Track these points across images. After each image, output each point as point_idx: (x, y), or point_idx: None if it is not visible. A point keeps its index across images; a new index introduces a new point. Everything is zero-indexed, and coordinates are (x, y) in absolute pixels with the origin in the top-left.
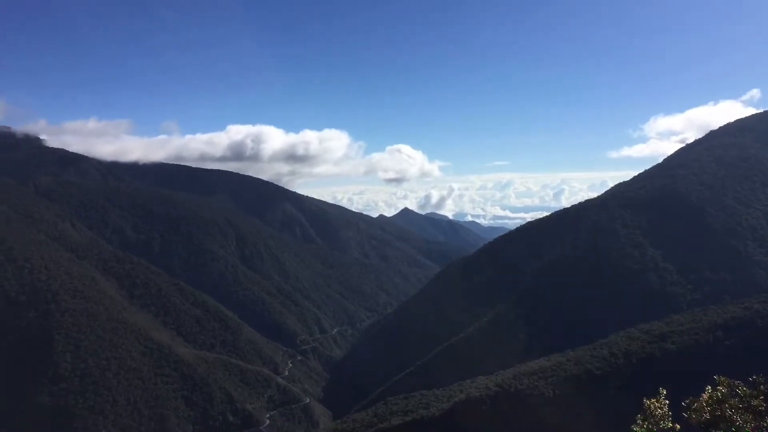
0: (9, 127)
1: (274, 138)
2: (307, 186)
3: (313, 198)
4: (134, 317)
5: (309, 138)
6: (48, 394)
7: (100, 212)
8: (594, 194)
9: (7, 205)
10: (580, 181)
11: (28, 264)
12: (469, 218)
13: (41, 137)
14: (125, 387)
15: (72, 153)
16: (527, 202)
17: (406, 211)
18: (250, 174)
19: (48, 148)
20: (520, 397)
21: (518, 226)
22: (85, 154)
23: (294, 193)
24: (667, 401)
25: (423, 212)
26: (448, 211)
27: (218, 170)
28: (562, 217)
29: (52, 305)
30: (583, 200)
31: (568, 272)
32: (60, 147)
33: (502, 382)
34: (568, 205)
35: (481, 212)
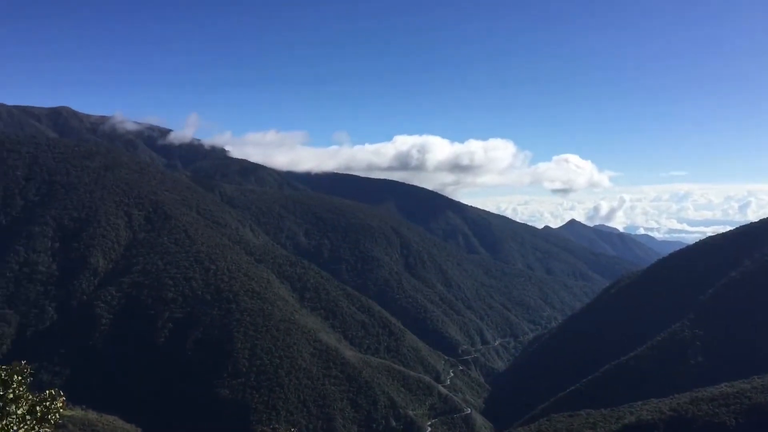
0: (199, 140)
1: (439, 148)
2: (470, 196)
3: (476, 208)
4: (305, 319)
5: (474, 148)
6: (228, 388)
7: (276, 219)
8: None
9: (197, 211)
10: None
11: (213, 266)
12: (642, 231)
13: (226, 148)
14: (296, 385)
15: (252, 163)
16: (707, 215)
17: (573, 223)
18: (415, 183)
19: (231, 158)
20: (697, 424)
21: (697, 240)
22: (264, 164)
23: (458, 203)
24: None
25: (591, 224)
26: (619, 224)
27: (385, 179)
28: (749, 232)
29: (233, 305)
30: None
31: (754, 292)
32: (242, 157)
33: (677, 406)
34: (756, 219)
35: (654, 225)
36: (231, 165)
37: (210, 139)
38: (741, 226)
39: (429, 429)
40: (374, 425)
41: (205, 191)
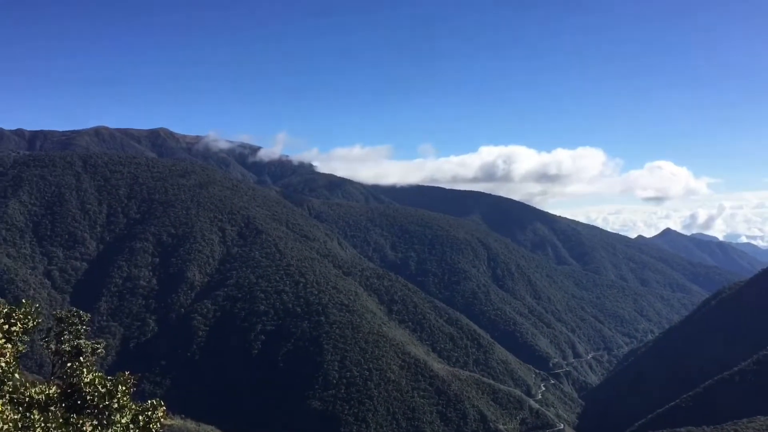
0: (288, 156)
1: (525, 158)
2: (559, 206)
3: (565, 218)
4: (393, 332)
5: (561, 157)
6: (318, 399)
7: (363, 231)
8: None
9: (286, 225)
10: None
11: (303, 279)
12: (744, 240)
13: (313, 164)
14: (385, 398)
15: (338, 177)
16: None
17: (668, 232)
18: (501, 194)
19: (319, 173)
20: None
21: None
22: (350, 178)
23: (545, 213)
24: None
25: (688, 233)
26: (718, 232)
27: (470, 191)
28: None
29: (323, 317)
30: None
31: None
32: (329, 172)
33: None
34: None
35: (758, 233)
36: (318, 180)
37: (298, 156)
38: None
39: None
40: None
41: (293, 206)
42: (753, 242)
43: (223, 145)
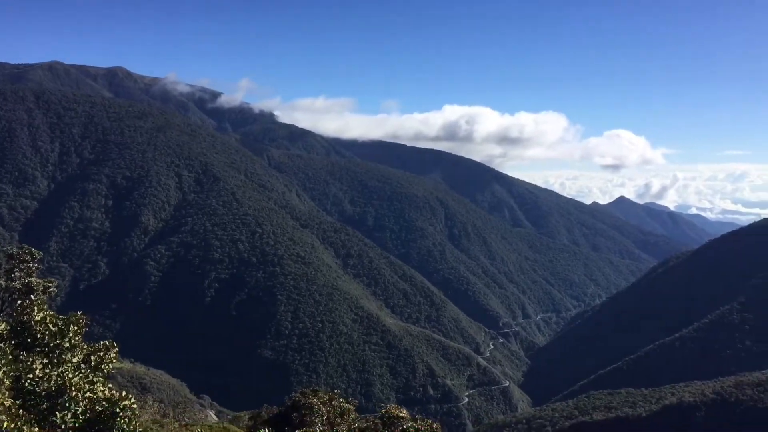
0: (249, 104)
1: (488, 119)
2: (518, 169)
3: (524, 181)
4: (347, 285)
5: (524, 120)
6: (270, 349)
7: (322, 185)
8: None
9: (245, 174)
10: None
11: (259, 229)
12: (694, 211)
13: (275, 113)
14: (336, 350)
15: (300, 128)
16: (764, 196)
17: (622, 200)
18: (462, 154)
19: (280, 123)
20: (740, 408)
21: (752, 222)
22: (312, 130)
23: (505, 176)
24: None
25: (641, 202)
26: (670, 202)
27: (432, 149)
28: None
29: (278, 268)
30: None
31: None
32: (291, 123)
33: (721, 389)
34: None
35: (708, 205)
36: (279, 130)
37: (259, 104)
38: None
39: (466, 399)
40: (412, 393)
41: (253, 155)
42: (702, 213)
43: (183, 88)
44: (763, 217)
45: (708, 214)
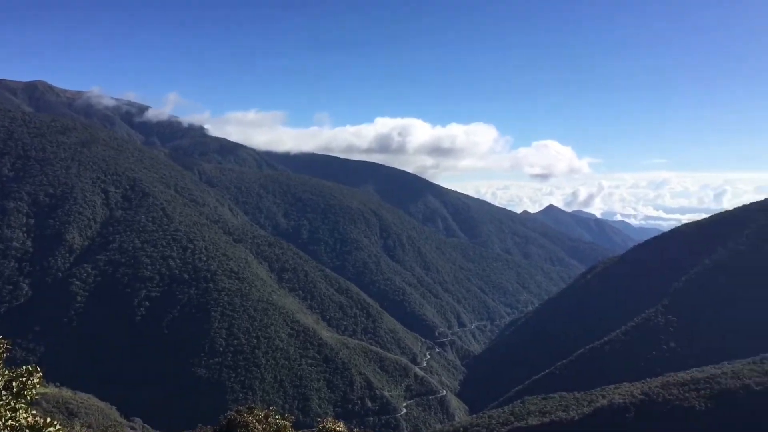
0: (178, 118)
1: (420, 131)
2: (451, 179)
3: (456, 191)
4: (283, 300)
5: (455, 131)
6: (204, 367)
7: (255, 198)
8: (761, 196)
9: (175, 189)
10: (746, 182)
11: (191, 245)
12: (619, 218)
13: (205, 127)
14: (273, 365)
15: (231, 142)
16: (683, 203)
17: (551, 208)
18: (395, 166)
19: (210, 137)
20: (667, 407)
21: (673, 228)
22: (243, 143)
23: (438, 186)
24: None
25: (569, 210)
26: (596, 210)
27: (365, 161)
28: (724, 221)
29: (211, 284)
30: (748, 203)
31: (728, 280)
32: (221, 136)
33: (648, 390)
34: (731, 208)
35: (632, 212)
36: (210, 143)
37: (189, 117)
38: (716, 215)
39: (404, 410)
40: (350, 406)
41: (183, 169)
42: (626, 220)
43: (108, 102)
44: (683, 222)
45: (632, 221)
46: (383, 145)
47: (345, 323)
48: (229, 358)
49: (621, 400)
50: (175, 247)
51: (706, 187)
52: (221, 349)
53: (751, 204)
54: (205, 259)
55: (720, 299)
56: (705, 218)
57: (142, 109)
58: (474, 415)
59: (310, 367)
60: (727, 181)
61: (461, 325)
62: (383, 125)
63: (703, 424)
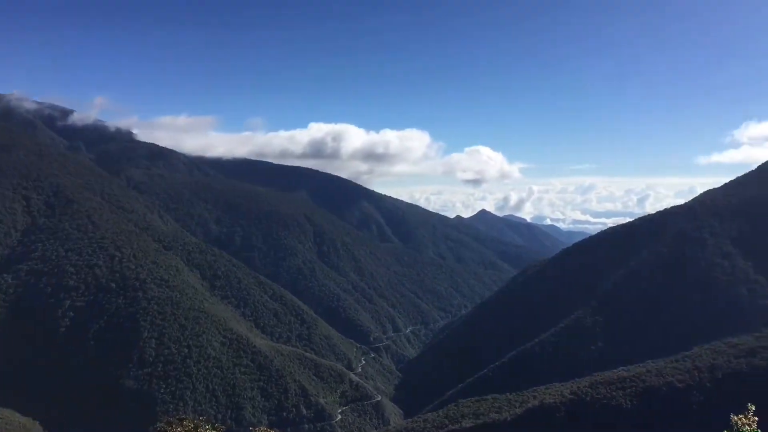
0: (104, 122)
1: (353, 136)
2: (385, 185)
3: (390, 197)
4: (215, 308)
5: (389, 137)
6: (133, 378)
7: (186, 205)
8: (681, 201)
9: (101, 195)
10: (667, 187)
11: (119, 253)
12: (548, 222)
13: (133, 131)
14: (205, 375)
15: (161, 147)
16: (609, 207)
17: (483, 213)
18: (329, 171)
19: (139, 142)
20: (596, 406)
21: (599, 231)
22: (174, 149)
23: (372, 192)
24: (756, 418)
25: (501, 214)
26: (527, 214)
27: (298, 167)
28: (647, 224)
29: (140, 293)
30: (669, 207)
31: (650, 281)
32: (151, 141)
33: (577, 390)
34: (653, 212)
35: (560, 216)
36: (138, 149)
37: (116, 122)
38: (639, 218)
39: (339, 416)
40: (284, 413)
41: (110, 175)
42: (556, 224)
43: (30, 105)
44: (609, 225)
45: (561, 225)
46: (317, 150)
47: (279, 330)
48: (159, 369)
49: (551, 401)
50: (101, 256)
51: (630, 192)
52: (151, 359)
53: (672, 208)
54: (133, 267)
55: (644, 300)
56: (629, 222)
57: (66, 112)
58: (409, 420)
59: (243, 376)
60: (649, 186)
61: (396, 329)
62: (317, 130)
63: (629, 421)
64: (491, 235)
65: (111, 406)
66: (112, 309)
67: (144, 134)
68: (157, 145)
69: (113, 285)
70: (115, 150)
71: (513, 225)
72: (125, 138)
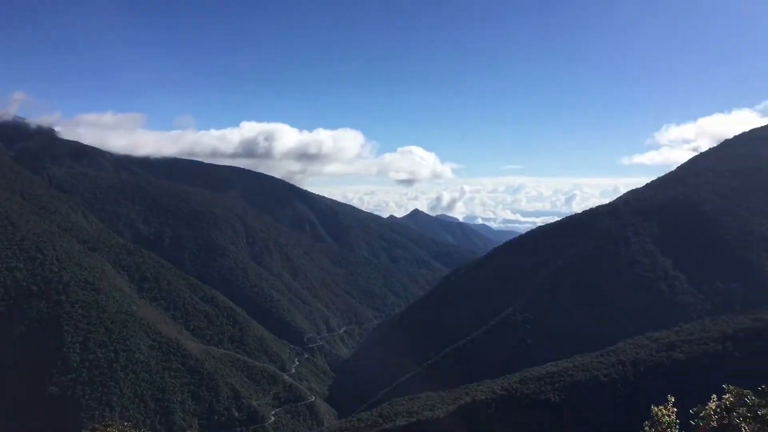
0: (23, 118)
1: (286, 136)
2: (318, 185)
3: (323, 197)
4: (143, 311)
5: (322, 137)
6: (57, 385)
7: (112, 205)
8: (606, 200)
9: (21, 195)
10: (592, 187)
11: (40, 255)
12: (480, 221)
13: (55, 129)
14: (133, 380)
15: (85, 145)
16: (538, 206)
17: (416, 213)
18: (261, 171)
19: (62, 140)
20: (526, 401)
21: (528, 230)
22: (99, 147)
23: (305, 192)
24: (675, 409)
25: (433, 214)
26: (459, 214)
27: (230, 166)
28: (573, 223)
29: (63, 296)
30: (594, 206)
31: (577, 278)
32: (74, 139)
33: (508, 386)
34: (580, 211)
35: (491, 215)
36: (61, 147)
37: (37, 119)
38: (567, 217)
39: (273, 418)
40: (216, 417)
41: (31, 174)
42: (487, 224)
43: None
44: (538, 224)
45: (492, 224)
46: (249, 149)
47: (210, 332)
48: (84, 374)
49: (483, 397)
50: (22, 258)
51: (557, 191)
52: (75, 365)
53: (597, 207)
54: (56, 269)
55: (570, 296)
56: (557, 221)
57: None
58: (343, 420)
59: (173, 380)
60: (575, 186)
61: (330, 330)
62: (249, 129)
63: (558, 415)
64: (424, 234)
65: (35, 414)
66: (34, 313)
67: (67, 132)
68: (81, 143)
69: (35, 288)
70: (36, 148)
71: (445, 224)
72: (47, 135)
